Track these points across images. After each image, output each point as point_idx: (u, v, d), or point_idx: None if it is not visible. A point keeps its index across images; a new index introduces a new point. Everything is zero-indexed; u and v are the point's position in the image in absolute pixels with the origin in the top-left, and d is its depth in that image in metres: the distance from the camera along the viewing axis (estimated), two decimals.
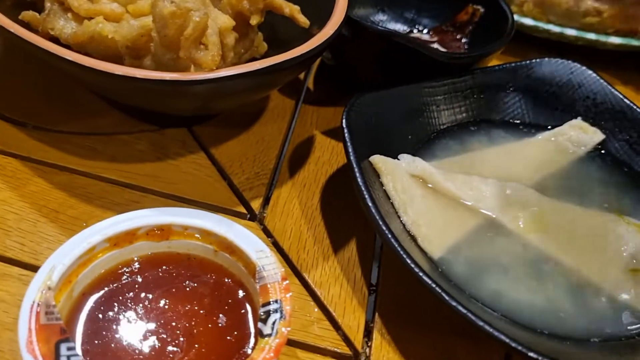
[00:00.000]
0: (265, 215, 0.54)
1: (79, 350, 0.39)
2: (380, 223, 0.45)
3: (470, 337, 0.47)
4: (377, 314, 0.48)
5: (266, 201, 0.56)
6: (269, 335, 0.39)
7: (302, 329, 0.46)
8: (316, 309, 0.48)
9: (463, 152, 0.58)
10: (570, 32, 0.79)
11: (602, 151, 0.60)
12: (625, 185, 0.57)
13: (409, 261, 0.43)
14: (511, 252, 0.50)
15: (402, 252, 0.43)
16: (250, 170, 0.58)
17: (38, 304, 0.39)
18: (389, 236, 0.44)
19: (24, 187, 0.53)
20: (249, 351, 0.40)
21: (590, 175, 0.58)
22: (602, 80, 0.62)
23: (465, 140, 0.59)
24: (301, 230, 0.53)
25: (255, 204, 0.55)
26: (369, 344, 0.46)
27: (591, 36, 0.79)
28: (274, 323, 0.40)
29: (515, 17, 0.72)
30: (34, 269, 0.47)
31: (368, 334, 0.47)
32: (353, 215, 0.55)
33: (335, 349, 0.45)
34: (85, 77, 0.49)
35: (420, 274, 0.42)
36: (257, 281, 0.42)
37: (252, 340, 0.41)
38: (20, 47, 0.53)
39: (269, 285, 0.42)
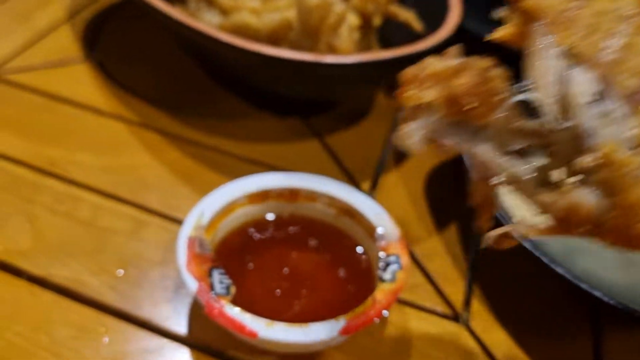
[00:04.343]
0: (374, 194, 0.60)
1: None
2: None
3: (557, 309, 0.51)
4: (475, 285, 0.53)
5: (374, 185, 0.62)
6: (389, 280, 0.44)
7: (409, 290, 0.51)
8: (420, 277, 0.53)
9: None
10: None
11: None
12: None
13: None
14: None
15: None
16: (360, 158, 0.64)
17: (192, 238, 0.45)
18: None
19: (162, 155, 0.61)
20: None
21: None
22: None
23: None
24: (405, 209, 0.59)
25: (365, 186, 0.61)
26: (468, 309, 0.51)
27: None
28: (393, 272, 0.45)
29: None
30: (173, 219, 0.54)
31: (467, 300, 0.51)
32: (457, 201, 0.60)
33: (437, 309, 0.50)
34: (238, 58, 0.56)
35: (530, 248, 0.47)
36: (376, 241, 0.48)
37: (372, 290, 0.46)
38: (170, 33, 0.61)
39: (387, 244, 0.47)
